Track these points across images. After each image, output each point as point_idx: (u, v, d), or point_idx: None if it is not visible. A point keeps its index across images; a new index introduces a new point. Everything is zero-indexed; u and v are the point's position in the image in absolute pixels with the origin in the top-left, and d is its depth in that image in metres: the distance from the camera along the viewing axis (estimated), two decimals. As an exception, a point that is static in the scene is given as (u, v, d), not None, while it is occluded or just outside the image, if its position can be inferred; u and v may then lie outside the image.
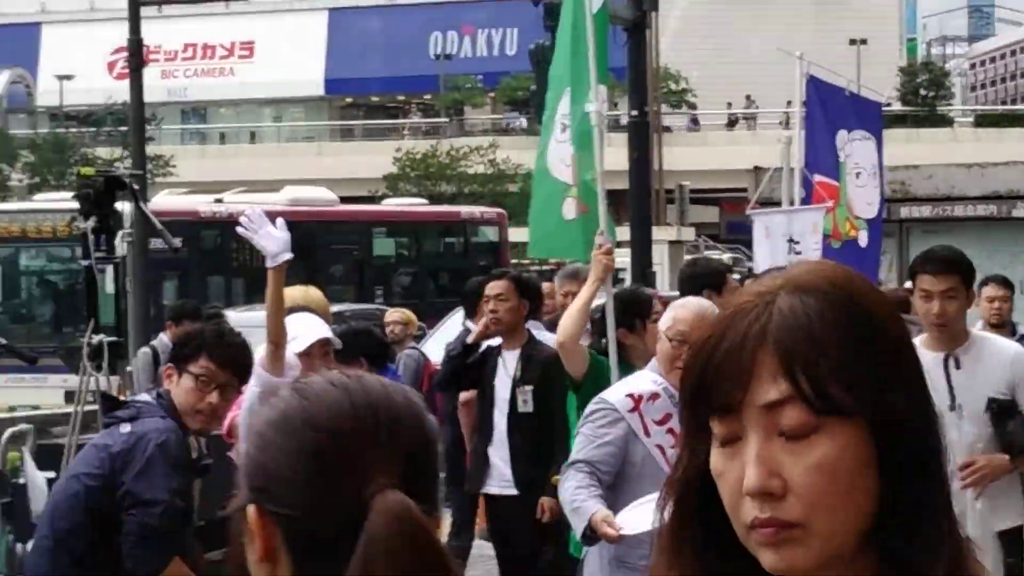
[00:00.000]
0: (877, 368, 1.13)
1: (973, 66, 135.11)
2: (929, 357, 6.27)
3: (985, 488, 6.54)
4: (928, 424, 1.19)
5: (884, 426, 1.13)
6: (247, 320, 13.04)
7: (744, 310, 1.17)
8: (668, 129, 53.92)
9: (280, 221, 8.18)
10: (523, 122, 59.45)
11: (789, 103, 31.86)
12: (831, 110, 12.49)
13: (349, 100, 65.05)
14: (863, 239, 11.94)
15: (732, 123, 64.15)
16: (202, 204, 31.86)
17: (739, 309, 1.19)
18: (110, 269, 13.03)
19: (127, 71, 27.96)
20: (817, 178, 11.85)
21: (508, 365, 9.74)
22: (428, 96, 63.55)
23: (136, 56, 26.33)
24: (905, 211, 28.88)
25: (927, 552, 1.12)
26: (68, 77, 65.12)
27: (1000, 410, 6.57)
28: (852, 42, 58.88)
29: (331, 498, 1.34)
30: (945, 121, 68.38)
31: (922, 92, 71.37)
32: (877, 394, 1.13)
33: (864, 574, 1.16)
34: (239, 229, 8.31)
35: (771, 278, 1.23)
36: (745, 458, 1.13)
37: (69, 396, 15.88)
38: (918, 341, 6.26)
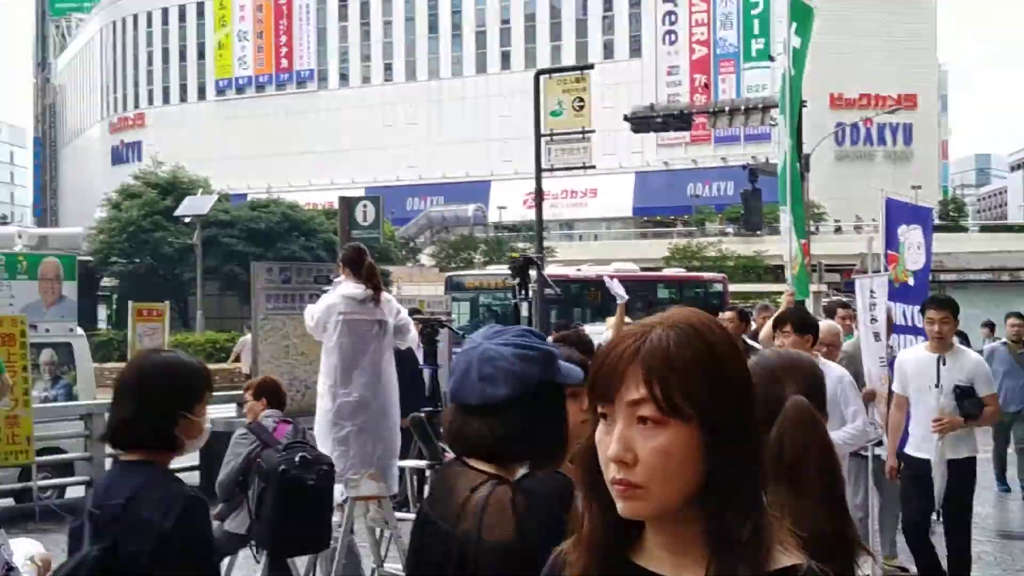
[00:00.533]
0: (711, 386, 1.51)
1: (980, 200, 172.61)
2: (928, 356, 8.67)
3: (946, 435, 8.28)
4: (746, 427, 1.57)
5: (712, 427, 1.50)
6: (592, 330, 13.27)
7: (631, 335, 1.58)
8: (817, 231, 61.50)
9: (616, 280, 13.07)
10: (732, 230, 68.80)
11: (874, 218, 39.42)
12: (896, 215, 13.19)
13: (645, 219, 77.42)
14: (911, 281, 12.66)
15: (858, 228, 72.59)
16: (571, 271, 39.30)
17: (628, 334, 1.61)
18: (525, 304, 15.48)
19: (534, 205, 33.37)
20: (889, 252, 12.60)
21: None
22: (687, 217, 75.94)
23: (539, 196, 31.76)
24: (942, 276, 33.45)
25: (738, 515, 1.48)
26: (503, 207, 78.59)
27: (961, 392, 8.30)
28: (913, 187, 67.20)
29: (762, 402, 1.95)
30: (962, 229, 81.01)
31: (951, 214, 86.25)
32: (708, 405, 1.50)
33: (690, 527, 1.53)
34: (606, 281, 13.39)
35: (653, 317, 1.62)
36: (613, 435, 1.52)
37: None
38: (923, 346, 9.06)
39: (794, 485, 2.62)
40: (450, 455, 3.51)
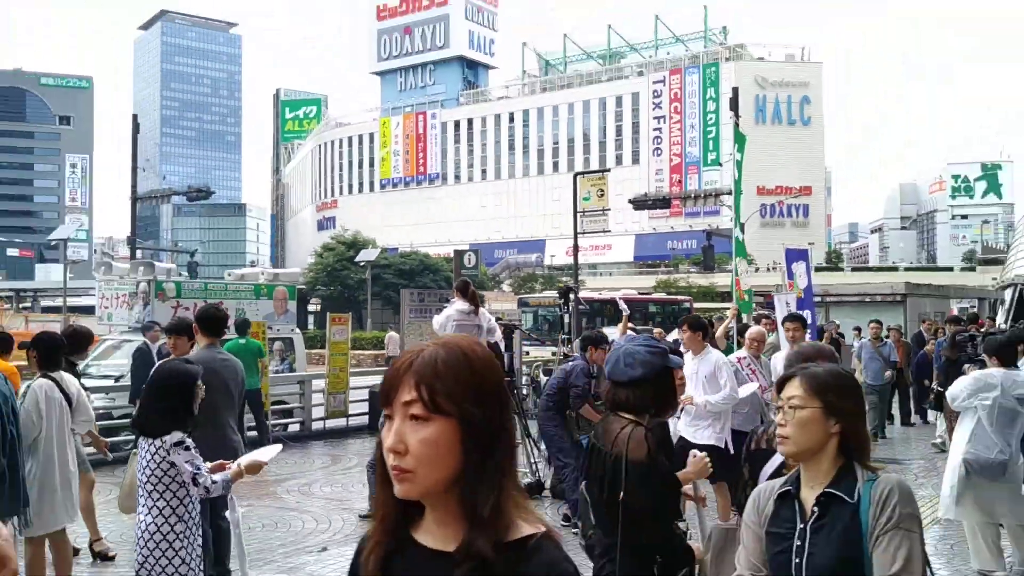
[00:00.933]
0: (469, 391, 1.31)
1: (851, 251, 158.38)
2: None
3: None
4: (497, 425, 1.34)
5: (468, 423, 1.30)
6: (608, 331, 11.39)
7: (410, 351, 1.36)
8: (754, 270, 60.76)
9: (623, 301, 14.10)
10: (695, 269, 63.64)
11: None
12: (791, 256, 13.26)
13: (641, 263, 78.28)
14: (803, 295, 12.28)
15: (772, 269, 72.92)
16: (595, 295, 35.98)
17: (408, 351, 1.38)
18: (566, 315, 15.92)
19: (572, 254, 29.93)
20: (789, 280, 12.90)
21: None
22: (667, 261, 75.26)
23: (575, 249, 29.01)
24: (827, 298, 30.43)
25: (483, 495, 1.29)
26: (553, 255, 74.44)
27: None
28: (809, 243, 65.71)
29: None
30: (840, 269, 77.28)
31: (833, 260, 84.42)
32: (465, 406, 1.30)
33: (452, 505, 1.32)
34: (617, 301, 15.48)
35: (431, 339, 1.41)
36: (391, 430, 1.31)
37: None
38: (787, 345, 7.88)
39: None
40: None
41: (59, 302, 49.18)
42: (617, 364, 3.16)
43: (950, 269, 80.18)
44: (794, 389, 2.33)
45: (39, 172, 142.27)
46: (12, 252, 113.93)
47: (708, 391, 6.84)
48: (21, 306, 66.10)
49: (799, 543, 2.26)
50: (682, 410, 6.79)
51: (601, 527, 3.08)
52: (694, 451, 3.54)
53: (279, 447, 4.78)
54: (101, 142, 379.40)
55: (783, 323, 8.69)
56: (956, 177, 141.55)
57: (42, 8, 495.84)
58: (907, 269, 78.73)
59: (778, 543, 2.30)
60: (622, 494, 2.94)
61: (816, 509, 2.26)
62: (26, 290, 79.87)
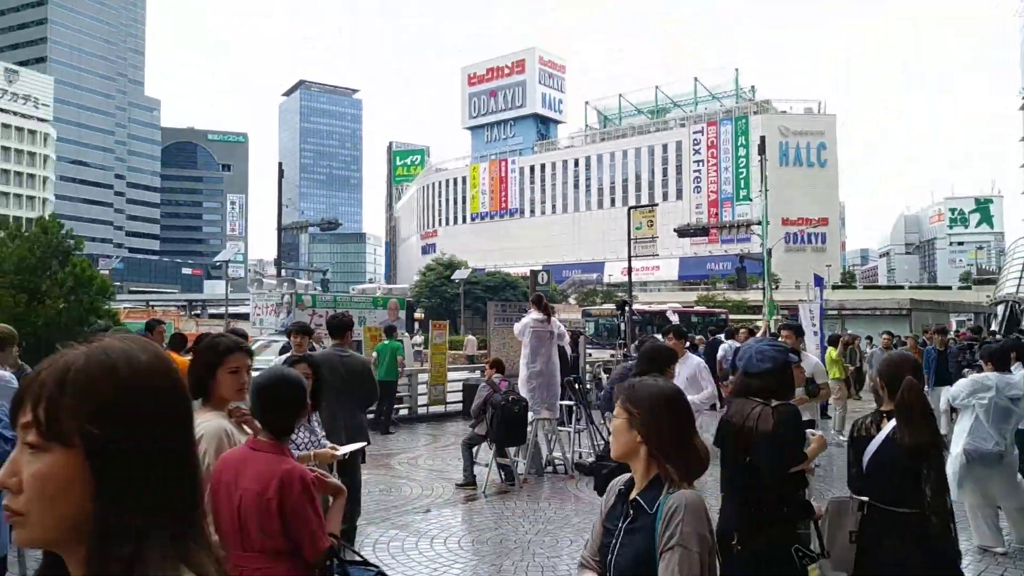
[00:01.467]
0: (102, 412, 0.81)
1: (863, 272, 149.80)
2: None
3: (800, 406, 5.03)
4: (142, 457, 0.83)
5: (99, 454, 0.81)
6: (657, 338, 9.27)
7: (49, 359, 0.86)
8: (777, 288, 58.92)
9: (673, 312, 17.05)
10: (729, 287, 60.04)
11: (800, 280, 45.56)
12: (816, 280, 13.68)
13: (684, 281, 77.81)
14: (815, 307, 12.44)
15: (797, 287, 70.73)
16: (645, 308, 35.13)
17: (50, 358, 0.86)
18: (622, 324, 14.02)
19: (627, 274, 26.84)
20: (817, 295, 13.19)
21: None
22: (705, 280, 74.61)
23: (629, 270, 26.42)
24: (843, 311, 34.28)
25: (110, 550, 0.79)
26: (611, 275, 73.69)
27: (806, 380, 5.93)
28: (826, 265, 64.53)
29: None
30: (853, 287, 75.35)
31: (848, 279, 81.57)
32: (91, 431, 0.81)
33: (79, 554, 0.81)
34: (668, 313, 15.79)
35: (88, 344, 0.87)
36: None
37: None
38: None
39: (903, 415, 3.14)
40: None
41: (222, 310, 50.89)
42: (750, 360, 3.20)
43: (949, 288, 76.94)
44: (619, 400, 2.14)
45: (206, 208, 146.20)
46: (186, 271, 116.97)
47: (689, 391, 6.36)
48: (192, 313, 67.84)
49: (614, 541, 2.05)
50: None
51: (731, 483, 3.15)
52: (811, 430, 3.52)
53: (361, 444, 4.53)
54: (254, 184, 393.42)
55: (780, 330, 8.34)
56: (953, 210, 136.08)
57: (210, 78, 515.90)
58: (911, 287, 75.76)
59: (606, 536, 2.11)
60: (748, 458, 3.00)
61: (631, 512, 2.03)
62: (196, 301, 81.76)
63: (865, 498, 3.25)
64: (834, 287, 63.27)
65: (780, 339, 7.84)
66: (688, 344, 7.04)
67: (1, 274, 18.78)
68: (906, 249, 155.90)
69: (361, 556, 2.63)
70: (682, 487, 1.99)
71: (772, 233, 23.09)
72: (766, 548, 2.89)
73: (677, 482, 2.00)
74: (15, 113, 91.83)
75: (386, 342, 12.92)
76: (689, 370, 6.51)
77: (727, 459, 3.17)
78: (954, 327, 24.57)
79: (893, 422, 3.20)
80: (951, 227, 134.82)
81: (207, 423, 2.59)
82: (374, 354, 12.73)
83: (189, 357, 6.72)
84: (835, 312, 29.33)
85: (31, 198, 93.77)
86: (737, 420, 3.10)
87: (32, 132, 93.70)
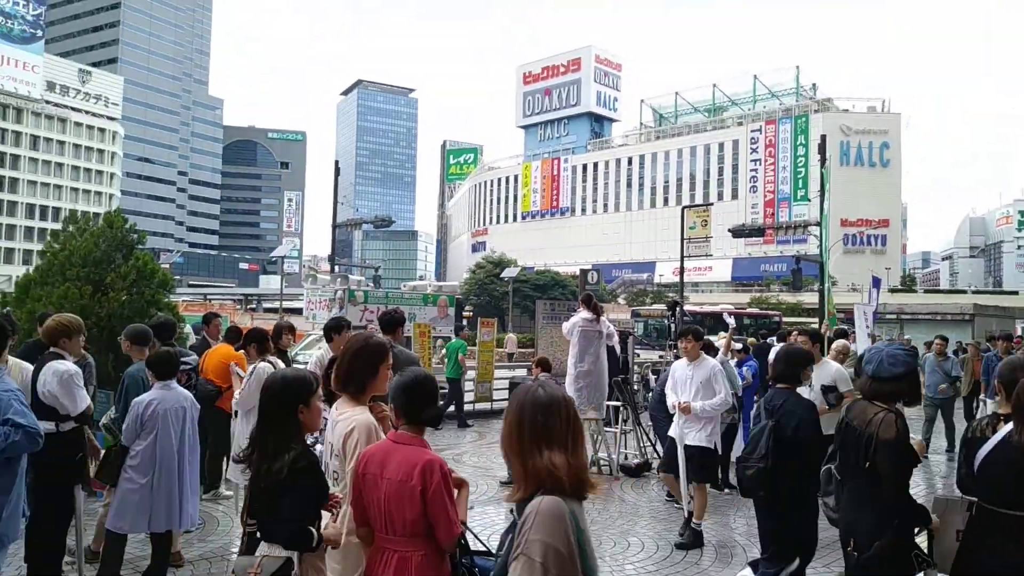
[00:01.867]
0: None
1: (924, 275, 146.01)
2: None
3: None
4: None
5: None
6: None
7: None
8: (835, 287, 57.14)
9: (730, 315, 10.95)
10: (784, 289, 58.16)
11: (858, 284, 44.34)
12: (873, 281, 13.81)
13: (738, 283, 77.50)
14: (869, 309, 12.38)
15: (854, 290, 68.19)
16: (697, 308, 34.50)
17: None
18: (673, 326, 14.13)
19: (679, 274, 27.83)
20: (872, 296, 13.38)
21: None
22: (760, 282, 70.31)
23: (682, 270, 27.42)
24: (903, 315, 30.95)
25: None
26: (662, 275, 72.62)
27: (824, 389, 6.13)
28: (886, 268, 63.24)
29: None
30: (914, 291, 72.37)
31: (908, 283, 78.18)
32: None
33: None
34: (724, 316, 11.38)
35: None
36: None
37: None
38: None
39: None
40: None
41: (276, 304, 52.42)
42: (881, 364, 3.19)
43: (1016, 293, 73.84)
44: None
45: (264, 205, 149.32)
46: (243, 266, 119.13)
47: (703, 395, 6.09)
48: (248, 307, 68.58)
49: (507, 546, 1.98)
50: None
51: (849, 488, 3.14)
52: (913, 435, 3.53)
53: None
54: (311, 182, 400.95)
55: (833, 335, 8.22)
56: (1023, 212, 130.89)
57: (270, 76, 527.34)
58: (974, 292, 73.12)
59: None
60: (868, 464, 3.00)
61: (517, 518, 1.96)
62: (252, 295, 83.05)
63: (974, 498, 3.16)
64: (893, 291, 61.39)
65: (822, 344, 7.75)
66: (713, 347, 6.86)
67: (70, 266, 19.63)
68: (970, 252, 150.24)
69: (487, 547, 2.76)
70: (554, 495, 1.85)
71: (830, 235, 22.47)
72: (887, 553, 2.96)
73: (549, 489, 1.86)
74: (87, 112, 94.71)
75: (454, 341, 13.51)
76: (703, 374, 6.16)
77: (846, 463, 3.19)
78: (1019, 332, 23.44)
79: (1010, 425, 3.09)
80: (1020, 230, 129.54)
81: (358, 416, 2.84)
82: (443, 351, 12.99)
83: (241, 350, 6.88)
84: (894, 316, 28.21)
85: (99, 194, 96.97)
86: (859, 425, 3.09)
87: (102, 130, 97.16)
